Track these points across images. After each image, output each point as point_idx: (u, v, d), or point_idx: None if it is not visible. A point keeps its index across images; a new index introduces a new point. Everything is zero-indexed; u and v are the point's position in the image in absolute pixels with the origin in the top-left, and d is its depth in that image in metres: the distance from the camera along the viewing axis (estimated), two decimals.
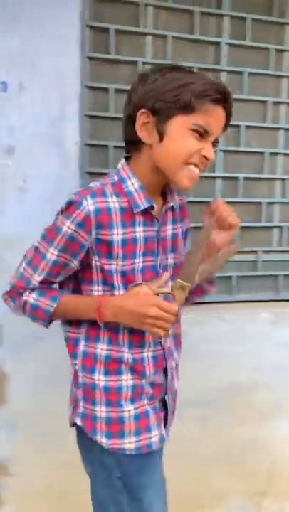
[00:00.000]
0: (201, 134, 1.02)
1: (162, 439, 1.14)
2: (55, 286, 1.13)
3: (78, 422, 1.12)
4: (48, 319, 1.10)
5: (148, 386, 1.13)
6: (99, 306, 1.05)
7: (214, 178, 1.94)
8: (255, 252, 2.02)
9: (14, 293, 1.11)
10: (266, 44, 1.92)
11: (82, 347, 1.12)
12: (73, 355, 1.13)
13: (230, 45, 1.88)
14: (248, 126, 1.94)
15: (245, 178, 1.97)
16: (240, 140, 1.93)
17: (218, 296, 1.98)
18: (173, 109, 1.00)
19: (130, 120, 1.06)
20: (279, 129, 2.00)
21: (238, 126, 1.92)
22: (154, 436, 1.11)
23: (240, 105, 1.91)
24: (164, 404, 1.19)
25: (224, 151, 1.93)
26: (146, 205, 1.07)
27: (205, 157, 1.03)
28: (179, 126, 1.01)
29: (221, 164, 1.93)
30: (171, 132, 1.01)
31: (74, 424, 1.16)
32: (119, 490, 1.10)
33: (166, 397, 1.19)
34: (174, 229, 1.16)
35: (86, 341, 1.11)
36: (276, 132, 2.00)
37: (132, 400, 1.11)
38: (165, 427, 1.17)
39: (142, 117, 1.03)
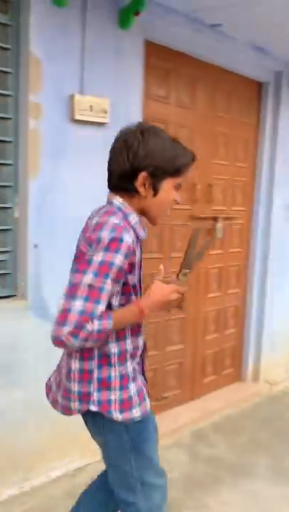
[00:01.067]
0: (178, 188, 1.45)
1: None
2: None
3: (94, 408, 1.40)
4: (106, 337, 1.33)
5: (139, 365, 1.50)
6: (141, 309, 1.36)
7: None
8: None
9: (77, 330, 1.22)
10: None
11: (96, 351, 1.39)
12: (89, 358, 1.39)
13: None
14: None
15: None
16: None
17: None
18: (166, 174, 1.39)
19: (127, 174, 1.38)
20: None
21: None
22: (148, 402, 1.47)
23: None
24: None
25: None
26: (144, 234, 1.44)
27: (176, 201, 1.47)
28: (168, 185, 1.41)
29: None
30: (163, 190, 1.41)
31: (84, 412, 1.43)
32: (128, 449, 1.43)
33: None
34: None
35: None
36: None
37: (134, 379, 1.44)
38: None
39: (142, 179, 1.38)
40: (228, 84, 3.27)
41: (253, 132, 3.56)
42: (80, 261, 1.30)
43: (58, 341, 1.25)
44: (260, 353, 3.78)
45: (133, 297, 1.41)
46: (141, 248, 1.44)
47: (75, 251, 1.41)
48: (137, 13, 2.35)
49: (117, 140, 1.41)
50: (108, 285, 1.26)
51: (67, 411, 1.46)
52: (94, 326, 1.24)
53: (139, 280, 1.45)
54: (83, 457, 2.57)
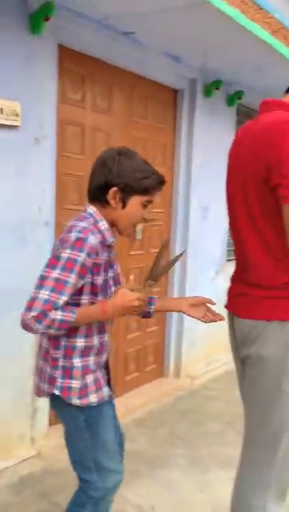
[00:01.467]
0: (146, 205, 1.60)
1: (109, 393, 1.64)
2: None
3: (57, 392, 1.56)
4: (68, 327, 1.46)
5: (102, 359, 1.63)
6: (104, 310, 1.50)
7: None
8: None
9: (41, 315, 1.40)
10: None
11: (63, 342, 1.54)
12: (56, 348, 1.55)
13: None
14: None
15: None
16: None
17: None
18: (135, 192, 1.56)
19: (102, 188, 1.55)
20: None
21: None
22: (105, 391, 1.62)
23: None
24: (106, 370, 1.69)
25: None
26: (112, 240, 1.59)
27: (144, 219, 1.62)
28: (136, 201, 1.57)
29: None
30: (131, 205, 1.57)
31: (50, 394, 1.58)
32: (84, 429, 1.59)
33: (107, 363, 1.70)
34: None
35: (67, 337, 1.54)
36: None
37: (94, 372, 1.59)
38: (109, 384, 1.68)
39: (113, 193, 1.55)
40: (144, 91, 3.38)
41: (170, 137, 3.70)
42: (51, 258, 1.48)
43: (24, 324, 1.43)
44: (180, 349, 3.93)
45: (100, 297, 1.58)
46: (111, 251, 1.62)
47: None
48: (46, 18, 2.39)
49: (97, 160, 1.60)
50: (72, 279, 1.44)
51: (37, 392, 1.63)
52: (56, 315, 1.41)
53: (107, 280, 1.61)
54: (2, 460, 2.56)
